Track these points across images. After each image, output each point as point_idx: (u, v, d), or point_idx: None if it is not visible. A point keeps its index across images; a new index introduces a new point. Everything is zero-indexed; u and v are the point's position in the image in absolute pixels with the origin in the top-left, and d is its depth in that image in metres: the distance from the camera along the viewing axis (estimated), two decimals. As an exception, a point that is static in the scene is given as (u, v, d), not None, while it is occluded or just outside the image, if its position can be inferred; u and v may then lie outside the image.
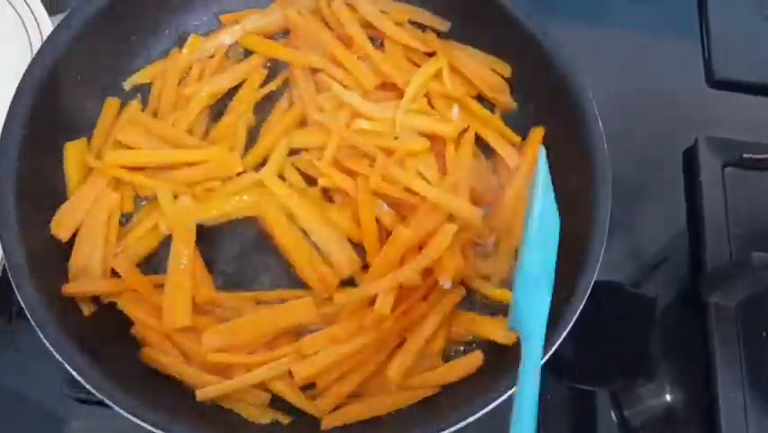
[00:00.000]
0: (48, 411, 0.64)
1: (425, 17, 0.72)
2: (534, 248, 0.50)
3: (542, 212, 0.51)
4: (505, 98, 0.69)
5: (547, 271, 0.50)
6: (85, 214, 0.60)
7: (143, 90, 0.68)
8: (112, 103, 0.65)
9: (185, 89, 0.66)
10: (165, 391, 0.55)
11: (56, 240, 0.59)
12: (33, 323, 0.51)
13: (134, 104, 0.65)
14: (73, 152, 0.62)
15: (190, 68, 0.68)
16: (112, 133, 0.64)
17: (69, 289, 0.56)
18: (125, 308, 0.58)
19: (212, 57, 0.69)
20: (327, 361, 0.55)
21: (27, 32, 0.74)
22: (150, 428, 0.49)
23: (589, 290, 0.54)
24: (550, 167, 0.53)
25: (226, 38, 0.69)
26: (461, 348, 0.62)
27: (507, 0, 0.66)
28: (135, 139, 0.63)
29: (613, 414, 0.69)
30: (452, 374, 0.58)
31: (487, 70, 0.69)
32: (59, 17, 0.63)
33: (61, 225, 0.59)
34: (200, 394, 0.54)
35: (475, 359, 0.59)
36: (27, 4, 0.75)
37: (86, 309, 0.57)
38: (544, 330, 0.49)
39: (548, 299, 0.50)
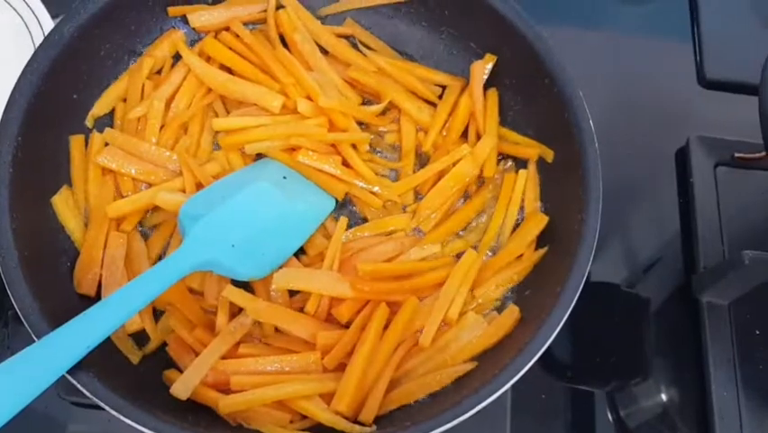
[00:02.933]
0: (45, 415, 0.64)
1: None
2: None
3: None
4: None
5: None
6: (101, 264, 0.60)
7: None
8: (76, 139, 0.64)
9: (136, 108, 0.65)
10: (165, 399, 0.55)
11: (49, 243, 0.60)
12: (29, 329, 0.51)
13: (97, 134, 0.65)
14: (62, 204, 0.61)
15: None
16: (90, 165, 0.63)
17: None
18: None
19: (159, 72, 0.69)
20: (356, 374, 0.55)
21: (31, 35, 0.75)
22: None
23: (580, 288, 0.54)
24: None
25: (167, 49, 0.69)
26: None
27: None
28: (115, 160, 0.63)
29: (609, 414, 0.69)
30: (492, 335, 0.58)
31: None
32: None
33: (84, 282, 0.59)
34: (223, 406, 0.54)
35: (511, 313, 0.59)
36: (29, 6, 0.76)
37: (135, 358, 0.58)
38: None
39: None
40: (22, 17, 0.76)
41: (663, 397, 0.70)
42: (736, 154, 0.78)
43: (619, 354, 0.72)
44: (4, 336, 0.67)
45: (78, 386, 0.50)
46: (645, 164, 0.81)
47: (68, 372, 0.49)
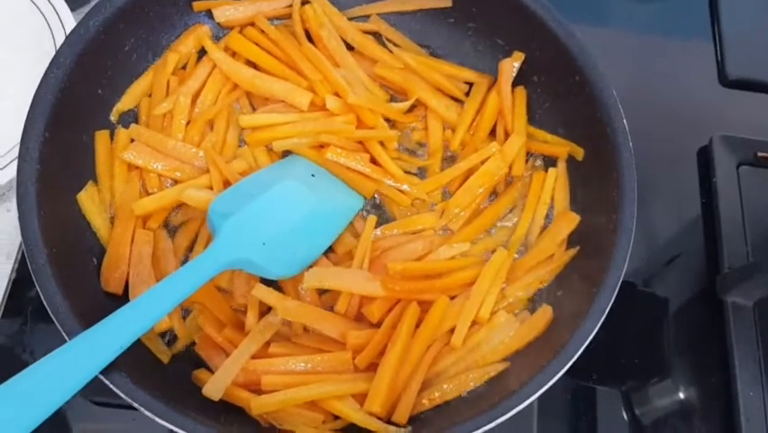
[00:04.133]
0: (59, 413, 0.63)
1: (427, 1, 0.71)
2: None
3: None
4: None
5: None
6: (128, 262, 0.59)
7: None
8: (102, 135, 0.63)
9: (162, 104, 0.65)
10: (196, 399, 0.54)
11: (76, 240, 0.59)
12: (59, 327, 0.51)
13: (123, 130, 0.64)
14: (87, 201, 0.61)
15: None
16: (115, 161, 0.63)
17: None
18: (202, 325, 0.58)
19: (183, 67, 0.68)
20: (388, 373, 0.54)
21: (50, 28, 0.74)
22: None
23: (616, 290, 0.54)
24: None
25: (192, 44, 0.68)
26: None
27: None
28: (141, 157, 0.62)
29: (624, 413, 0.69)
30: (524, 336, 0.58)
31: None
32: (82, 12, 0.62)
33: (111, 281, 0.59)
34: (255, 407, 0.54)
35: (544, 313, 0.58)
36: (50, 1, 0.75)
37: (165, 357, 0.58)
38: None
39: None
40: (41, 11, 0.75)
41: (681, 396, 0.70)
42: (759, 153, 0.78)
43: (638, 354, 0.71)
44: (23, 333, 0.66)
45: (112, 387, 0.49)
46: (667, 163, 0.80)
47: (101, 372, 0.49)
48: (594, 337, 0.67)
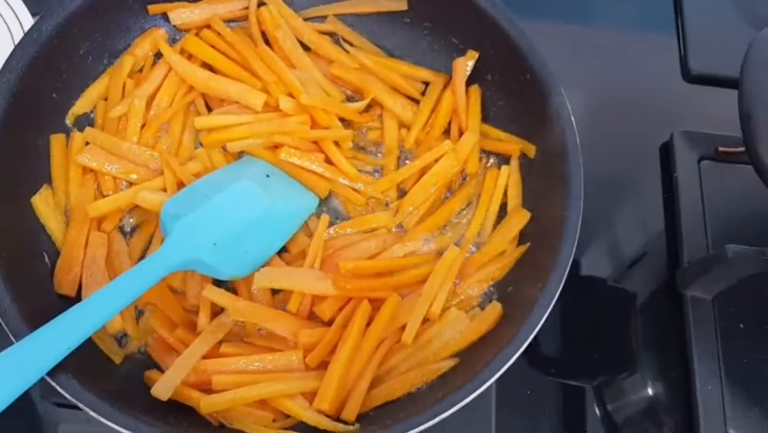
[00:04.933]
0: (33, 415, 0.64)
1: (383, 3, 0.71)
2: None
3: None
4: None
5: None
6: (81, 264, 0.60)
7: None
8: (57, 138, 0.64)
9: (117, 107, 0.65)
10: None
11: (29, 243, 0.59)
12: (7, 330, 0.51)
13: (78, 134, 0.64)
14: (42, 204, 0.61)
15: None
16: (70, 165, 0.63)
17: None
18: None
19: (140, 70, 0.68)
20: (338, 372, 0.55)
21: (11, 33, 0.74)
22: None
23: (561, 284, 0.54)
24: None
25: (148, 47, 0.68)
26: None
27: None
28: (95, 159, 0.63)
29: (597, 409, 0.69)
30: (474, 332, 0.58)
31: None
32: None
33: (64, 283, 0.59)
34: (204, 406, 0.54)
35: (493, 310, 0.59)
36: (9, 4, 0.75)
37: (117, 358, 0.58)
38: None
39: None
40: (1, 15, 0.75)
41: (650, 391, 0.70)
42: (720, 148, 0.78)
43: (606, 348, 0.72)
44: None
45: (57, 387, 0.49)
46: (630, 159, 0.81)
47: (47, 373, 0.49)
48: (565, 332, 0.68)
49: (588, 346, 0.71)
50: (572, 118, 0.60)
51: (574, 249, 0.55)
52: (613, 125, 0.81)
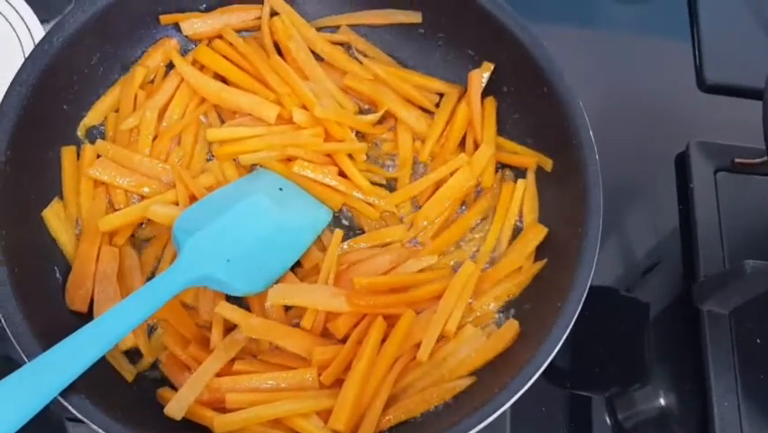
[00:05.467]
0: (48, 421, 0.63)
1: (397, 16, 0.70)
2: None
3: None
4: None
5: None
6: (93, 279, 0.59)
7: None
8: (68, 151, 0.63)
9: (129, 119, 0.64)
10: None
11: (40, 258, 0.59)
12: (19, 350, 0.50)
13: (89, 146, 0.64)
14: (53, 218, 0.60)
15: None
16: (81, 178, 0.62)
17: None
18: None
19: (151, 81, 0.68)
20: (353, 390, 0.54)
21: (20, 40, 0.74)
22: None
23: (581, 305, 0.54)
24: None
25: (160, 58, 0.68)
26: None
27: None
28: (107, 173, 0.62)
29: (607, 418, 0.69)
30: (491, 350, 0.57)
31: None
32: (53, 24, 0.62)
33: (76, 299, 0.58)
34: (218, 425, 0.53)
35: (510, 327, 0.58)
36: (17, 11, 0.75)
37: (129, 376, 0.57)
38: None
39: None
40: (10, 22, 0.75)
41: (662, 402, 0.69)
42: (737, 159, 0.77)
43: (619, 360, 0.71)
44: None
45: (71, 408, 0.49)
46: (645, 169, 0.80)
47: (60, 394, 0.48)
48: (577, 343, 0.67)
49: (600, 358, 0.71)
50: (592, 133, 0.59)
51: (593, 270, 0.55)
52: (627, 134, 0.80)
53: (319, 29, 0.71)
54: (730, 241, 0.74)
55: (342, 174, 0.65)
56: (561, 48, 0.64)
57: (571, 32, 0.87)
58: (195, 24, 0.68)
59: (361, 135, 0.67)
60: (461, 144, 0.68)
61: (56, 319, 0.56)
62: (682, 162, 0.79)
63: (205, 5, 0.69)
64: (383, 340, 0.57)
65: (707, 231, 0.74)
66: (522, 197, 0.64)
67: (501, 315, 0.61)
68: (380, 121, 0.68)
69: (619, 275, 0.75)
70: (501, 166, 0.67)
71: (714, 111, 0.82)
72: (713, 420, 0.66)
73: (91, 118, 0.65)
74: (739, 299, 0.69)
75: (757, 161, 0.76)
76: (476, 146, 0.66)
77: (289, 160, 0.64)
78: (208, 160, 0.66)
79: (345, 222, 0.66)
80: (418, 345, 0.57)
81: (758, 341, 0.70)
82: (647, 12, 0.89)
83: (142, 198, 0.63)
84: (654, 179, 0.79)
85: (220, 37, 0.68)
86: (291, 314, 0.60)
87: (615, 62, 0.86)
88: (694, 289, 0.72)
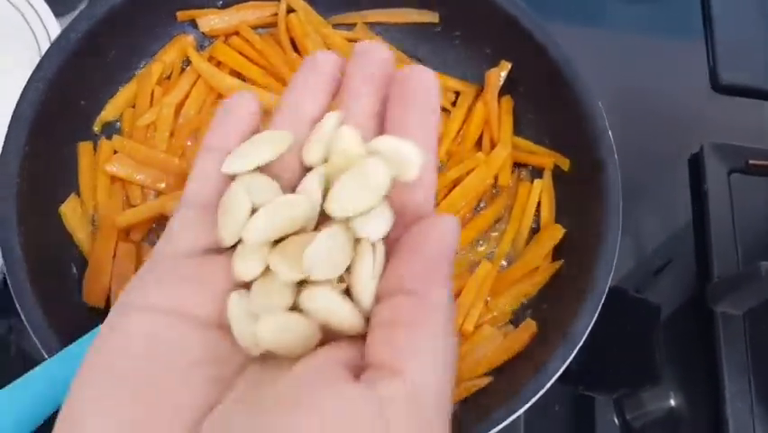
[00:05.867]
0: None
1: (414, 15, 0.70)
2: None
3: None
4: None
5: None
6: (110, 275, 0.59)
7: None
8: (85, 146, 0.63)
9: (145, 115, 0.64)
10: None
11: (57, 253, 0.59)
12: (39, 345, 0.50)
13: (106, 141, 0.63)
14: (70, 213, 0.60)
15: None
16: (98, 173, 0.62)
17: None
18: None
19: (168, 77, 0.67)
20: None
21: (34, 34, 0.73)
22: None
23: (599, 307, 0.54)
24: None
25: (176, 54, 0.67)
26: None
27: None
28: (124, 168, 0.62)
29: (615, 417, 0.69)
30: (508, 350, 0.57)
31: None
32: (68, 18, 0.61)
33: (92, 294, 0.58)
34: None
35: (527, 327, 0.58)
36: (32, 5, 0.74)
37: None
38: None
39: None
40: (24, 16, 0.75)
41: (672, 402, 0.69)
42: (751, 161, 0.77)
43: (630, 360, 0.71)
44: (9, 342, 0.66)
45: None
46: (657, 170, 0.80)
47: None
48: (588, 343, 0.67)
49: (611, 358, 0.71)
50: (611, 134, 0.59)
51: (612, 272, 0.55)
52: (642, 135, 0.80)
53: (335, 26, 0.70)
54: (744, 242, 0.74)
55: (358, 172, 0.64)
56: (572, 47, 0.64)
57: (582, 31, 0.86)
58: (212, 21, 0.67)
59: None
60: (478, 143, 0.67)
61: (73, 313, 0.56)
62: (696, 164, 0.79)
63: (221, 2, 0.68)
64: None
65: (720, 232, 0.74)
66: (539, 196, 0.64)
67: (518, 315, 0.61)
68: (396, 119, 0.68)
69: (632, 276, 0.75)
70: (518, 166, 0.67)
71: (728, 112, 0.82)
72: (726, 422, 0.66)
73: (108, 113, 0.65)
74: (754, 301, 0.69)
75: (772, 162, 0.76)
76: (492, 145, 0.66)
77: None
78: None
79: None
80: None
81: (772, 343, 0.70)
82: (660, 11, 0.89)
83: (159, 193, 0.63)
84: (667, 180, 0.79)
85: (236, 34, 0.68)
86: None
87: (627, 62, 0.85)
88: (708, 290, 0.72)
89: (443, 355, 0.27)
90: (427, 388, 0.26)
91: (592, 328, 0.65)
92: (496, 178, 0.65)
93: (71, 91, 0.61)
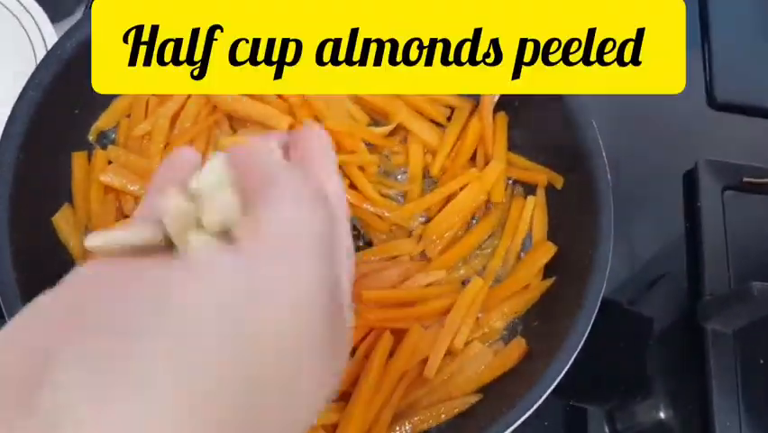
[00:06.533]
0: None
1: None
2: None
3: None
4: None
5: None
6: None
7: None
8: (79, 156, 0.63)
9: (140, 125, 0.64)
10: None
11: (49, 263, 0.59)
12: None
13: (101, 151, 0.64)
14: (63, 223, 0.60)
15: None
16: (92, 183, 0.62)
17: None
18: None
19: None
20: (360, 404, 0.54)
21: (30, 39, 0.73)
22: None
23: (590, 325, 0.54)
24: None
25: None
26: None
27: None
28: (118, 179, 0.62)
29: (606, 428, 0.69)
30: (498, 367, 0.58)
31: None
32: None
33: None
34: None
35: (518, 345, 0.58)
36: (28, 11, 0.74)
37: None
38: None
39: None
40: (20, 21, 0.75)
41: (662, 415, 0.70)
42: (745, 179, 0.77)
43: (621, 373, 0.71)
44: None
45: None
46: (652, 186, 0.80)
47: None
48: (580, 355, 0.67)
49: (602, 370, 0.71)
50: (604, 153, 0.59)
51: (603, 290, 0.55)
52: (636, 151, 0.80)
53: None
54: (736, 260, 0.74)
55: (352, 186, 0.65)
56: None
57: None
58: (208, 30, 0.67)
59: (371, 147, 0.67)
60: (472, 159, 0.67)
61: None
62: (690, 180, 0.79)
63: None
64: (390, 354, 0.57)
65: (713, 249, 0.74)
66: (531, 213, 0.64)
67: (508, 332, 0.61)
68: (391, 133, 0.68)
69: (625, 289, 0.75)
70: (512, 182, 0.67)
71: (724, 129, 0.82)
72: (715, 438, 0.66)
73: (103, 122, 0.65)
74: (744, 320, 0.69)
75: (766, 180, 0.76)
76: (487, 161, 0.66)
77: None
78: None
79: (353, 233, 0.66)
80: (425, 361, 0.57)
81: (761, 361, 0.70)
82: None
83: (153, 204, 0.63)
84: (661, 196, 0.79)
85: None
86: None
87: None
88: (699, 307, 0.72)
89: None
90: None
91: (586, 340, 0.66)
92: (489, 194, 0.65)
93: (66, 100, 0.61)
